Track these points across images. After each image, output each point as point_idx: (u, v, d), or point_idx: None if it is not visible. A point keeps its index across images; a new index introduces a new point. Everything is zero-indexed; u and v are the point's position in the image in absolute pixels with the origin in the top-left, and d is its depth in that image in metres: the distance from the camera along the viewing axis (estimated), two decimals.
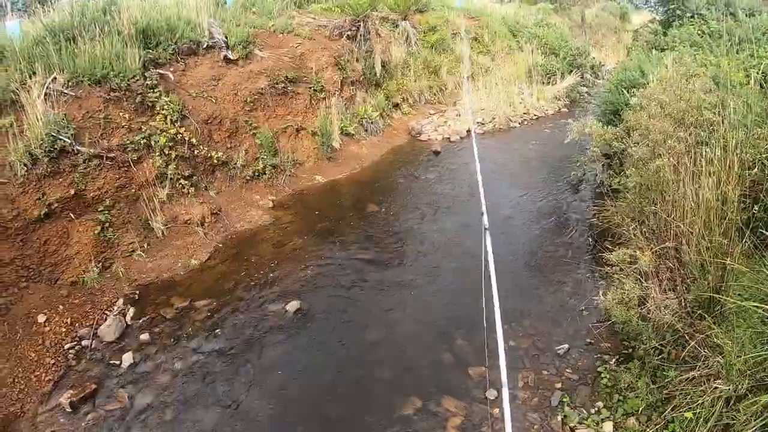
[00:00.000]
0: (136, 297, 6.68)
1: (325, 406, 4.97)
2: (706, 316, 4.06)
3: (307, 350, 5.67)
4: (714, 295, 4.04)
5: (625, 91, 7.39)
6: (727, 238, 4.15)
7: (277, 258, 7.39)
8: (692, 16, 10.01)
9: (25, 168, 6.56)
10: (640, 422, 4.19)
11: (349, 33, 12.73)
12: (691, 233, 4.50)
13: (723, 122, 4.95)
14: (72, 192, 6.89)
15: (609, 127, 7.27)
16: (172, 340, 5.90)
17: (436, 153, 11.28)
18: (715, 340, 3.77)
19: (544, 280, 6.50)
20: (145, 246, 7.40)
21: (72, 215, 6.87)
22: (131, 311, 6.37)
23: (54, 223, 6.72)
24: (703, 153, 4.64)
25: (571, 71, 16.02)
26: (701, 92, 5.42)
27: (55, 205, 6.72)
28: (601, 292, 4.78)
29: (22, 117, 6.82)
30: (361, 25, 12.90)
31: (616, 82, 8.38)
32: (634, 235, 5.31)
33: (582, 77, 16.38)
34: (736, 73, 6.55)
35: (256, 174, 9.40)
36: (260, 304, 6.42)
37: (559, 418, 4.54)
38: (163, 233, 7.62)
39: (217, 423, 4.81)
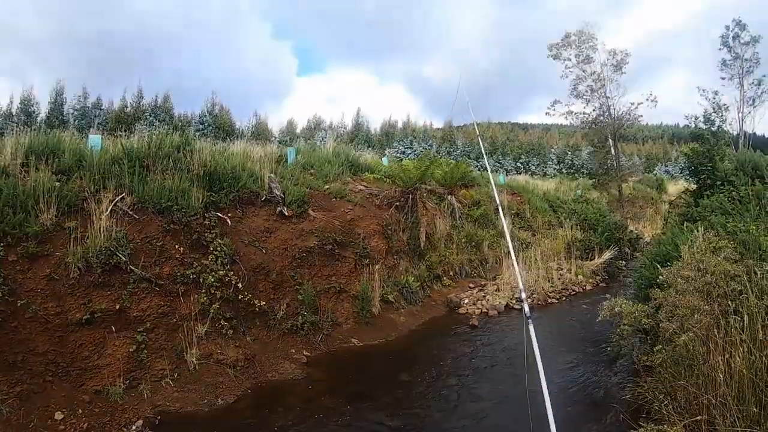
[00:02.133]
0: (157, 422, 6.64)
1: None
2: None
3: None
4: None
5: (658, 266, 7.50)
6: (760, 408, 4.08)
7: (303, 414, 7.25)
8: (722, 184, 10.12)
9: (79, 272, 7.00)
10: None
11: (398, 204, 13.41)
12: (724, 404, 4.42)
13: (752, 290, 5.02)
14: (117, 307, 7.22)
15: (639, 304, 7.30)
16: None
17: (473, 327, 11.25)
18: None
19: None
20: (175, 375, 7.48)
21: (112, 328, 7.15)
22: None
23: (93, 331, 6.99)
24: (732, 322, 4.68)
25: (609, 246, 16.34)
26: (727, 263, 5.54)
27: (98, 314, 7.04)
28: None
29: (87, 224, 7.39)
30: (410, 197, 13.61)
31: (650, 256, 8.51)
32: (666, 411, 5.18)
33: (620, 251, 16.61)
34: (765, 237, 6.66)
35: (294, 328, 9.52)
36: None
37: None
38: (195, 367, 7.70)
39: None
